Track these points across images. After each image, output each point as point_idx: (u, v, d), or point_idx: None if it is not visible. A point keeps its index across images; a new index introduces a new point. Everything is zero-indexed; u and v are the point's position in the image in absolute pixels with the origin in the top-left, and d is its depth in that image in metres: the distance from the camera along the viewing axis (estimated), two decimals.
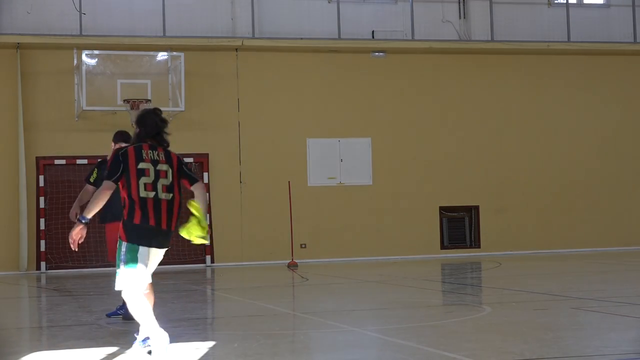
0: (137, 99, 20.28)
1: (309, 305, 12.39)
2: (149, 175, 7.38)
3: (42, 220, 20.36)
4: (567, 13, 24.12)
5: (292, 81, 22.49)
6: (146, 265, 7.40)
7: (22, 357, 7.92)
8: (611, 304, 10.74)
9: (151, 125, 7.63)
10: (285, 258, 21.37)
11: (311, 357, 7.81)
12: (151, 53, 21.25)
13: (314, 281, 16.57)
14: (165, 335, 7.19)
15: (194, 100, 21.22)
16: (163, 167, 7.48)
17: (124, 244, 7.34)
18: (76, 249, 7.58)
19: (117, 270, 7.38)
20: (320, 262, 21.68)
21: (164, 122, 7.73)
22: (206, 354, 7.79)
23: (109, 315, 10.43)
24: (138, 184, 7.35)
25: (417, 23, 23.18)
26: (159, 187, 7.41)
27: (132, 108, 20.20)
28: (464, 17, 23.95)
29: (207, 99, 21.63)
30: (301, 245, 21.92)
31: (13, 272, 20.01)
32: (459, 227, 23.47)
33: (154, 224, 7.33)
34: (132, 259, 7.30)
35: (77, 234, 7.43)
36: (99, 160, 10.87)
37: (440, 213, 23.23)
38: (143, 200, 7.33)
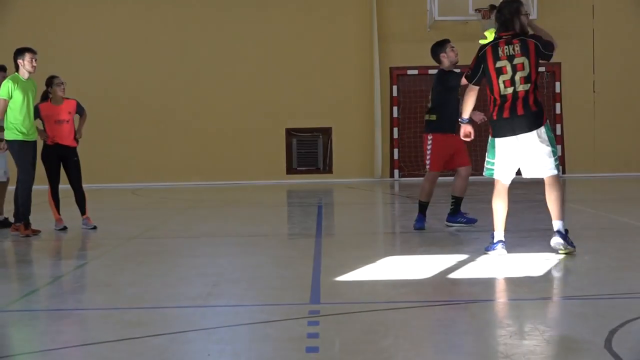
0: (488, 8, 20.11)
1: None
2: (506, 73, 8.04)
3: (395, 130, 21.01)
4: None
5: None
6: (506, 158, 8.11)
7: (378, 260, 8.33)
8: None
9: (507, 14, 8.16)
10: None
11: None
12: None
13: None
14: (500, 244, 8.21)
15: (547, 8, 20.65)
16: (519, 60, 8.03)
17: (489, 138, 8.23)
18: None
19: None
20: None
21: (516, 3, 8.19)
22: (556, 265, 7.76)
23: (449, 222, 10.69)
24: (498, 82, 8.06)
25: None
26: (517, 80, 8.03)
27: (483, 17, 20.09)
28: None
29: (560, 6, 20.96)
30: None
31: (368, 178, 20.91)
32: None
33: (508, 116, 8.04)
34: (492, 152, 8.19)
35: (465, 135, 8.59)
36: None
37: None
38: (503, 97, 8.06)
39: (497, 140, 8.14)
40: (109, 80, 20.75)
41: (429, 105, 10.51)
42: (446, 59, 10.42)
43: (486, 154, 8.29)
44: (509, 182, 8.28)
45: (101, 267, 8.58)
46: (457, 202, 10.57)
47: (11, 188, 11.73)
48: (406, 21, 21.19)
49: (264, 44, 21.00)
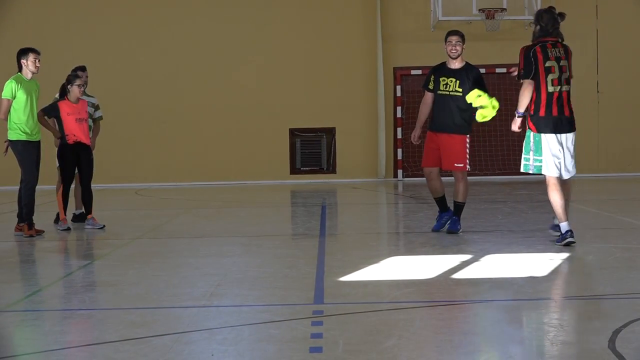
0: (493, 8, 20.11)
1: None
2: (554, 72, 8.59)
3: (399, 130, 21.00)
4: None
5: None
6: (554, 152, 8.55)
7: (382, 260, 8.33)
8: None
9: (548, 21, 8.76)
10: None
11: None
12: None
13: None
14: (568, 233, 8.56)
15: None
16: (564, 62, 8.67)
17: (532, 134, 8.62)
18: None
19: (524, 157, 8.71)
20: None
21: (561, 16, 8.83)
22: (560, 265, 7.75)
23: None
24: (546, 80, 8.57)
25: None
26: (562, 80, 8.63)
27: (487, 17, 20.09)
28: None
29: (563, 6, 20.89)
30: None
31: (372, 178, 20.91)
32: None
33: (556, 114, 8.55)
34: (538, 149, 8.59)
35: (516, 128, 8.82)
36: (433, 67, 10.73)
37: None
38: (550, 95, 8.57)
39: (543, 136, 8.58)
40: (113, 80, 20.74)
41: None
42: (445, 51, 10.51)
43: (530, 151, 8.66)
44: (558, 174, 8.65)
45: (104, 267, 8.58)
46: (456, 206, 10.31)
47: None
48: (410, 21, 21.19)
49: (268, 44, 21.01)
